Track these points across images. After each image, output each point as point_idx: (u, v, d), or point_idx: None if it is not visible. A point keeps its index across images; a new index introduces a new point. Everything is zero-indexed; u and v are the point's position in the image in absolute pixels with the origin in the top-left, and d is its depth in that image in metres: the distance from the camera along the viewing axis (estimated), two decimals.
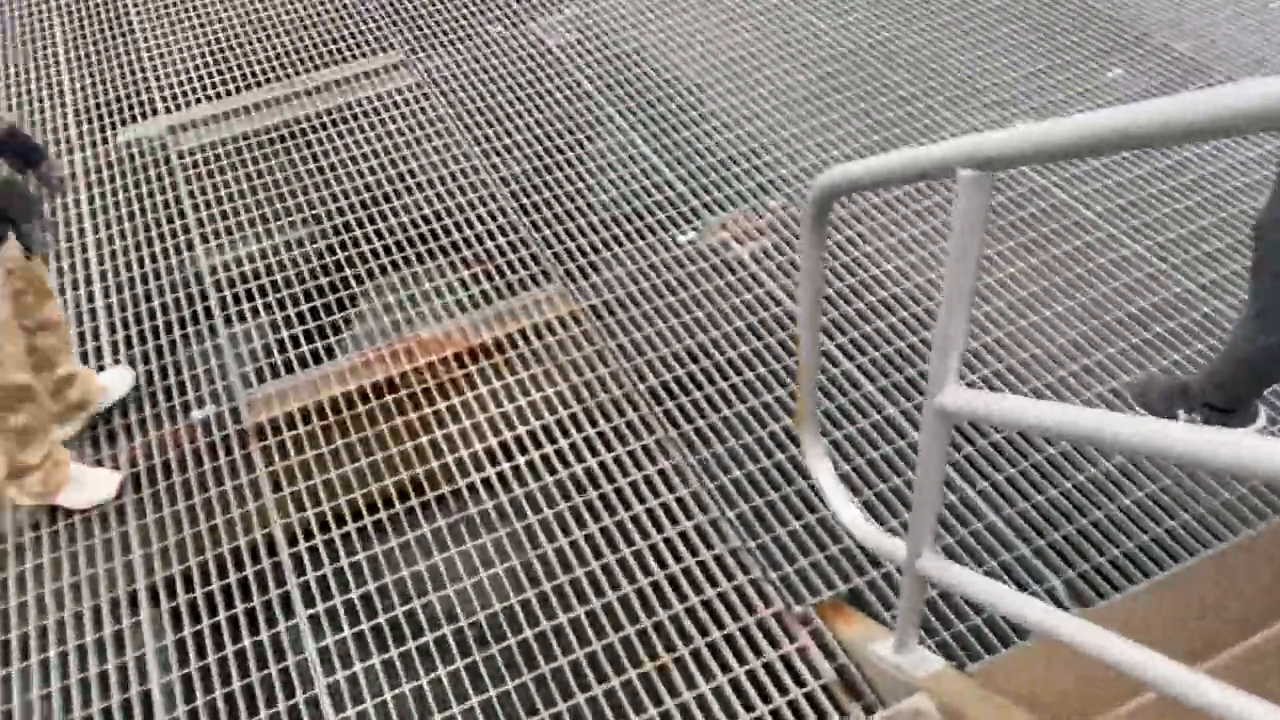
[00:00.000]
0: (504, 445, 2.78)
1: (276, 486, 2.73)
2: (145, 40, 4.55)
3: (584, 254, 3.34)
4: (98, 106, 4.16)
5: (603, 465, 2.71)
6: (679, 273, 3.24)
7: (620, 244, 3.36)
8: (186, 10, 4.74)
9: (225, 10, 4.71)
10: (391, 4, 4.66)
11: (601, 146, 3.76)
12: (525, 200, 3.56)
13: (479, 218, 3.51)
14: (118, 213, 3.64)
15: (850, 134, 3.71)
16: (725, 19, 4.38)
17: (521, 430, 2.81)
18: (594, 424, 2.82)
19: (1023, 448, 2.67)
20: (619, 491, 2.65)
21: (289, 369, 3.06)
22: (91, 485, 2.72)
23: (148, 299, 3.30)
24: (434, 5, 4.63)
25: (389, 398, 2.93)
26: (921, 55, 4.09)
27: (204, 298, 3.29)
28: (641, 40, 4.29)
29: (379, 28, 4.50)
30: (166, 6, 4.79)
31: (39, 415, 2.55)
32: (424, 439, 2.81)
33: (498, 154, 3.77)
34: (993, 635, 2.29)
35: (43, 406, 2.57)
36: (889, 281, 3.16)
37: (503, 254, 3.37)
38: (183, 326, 3.20)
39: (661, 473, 2.68)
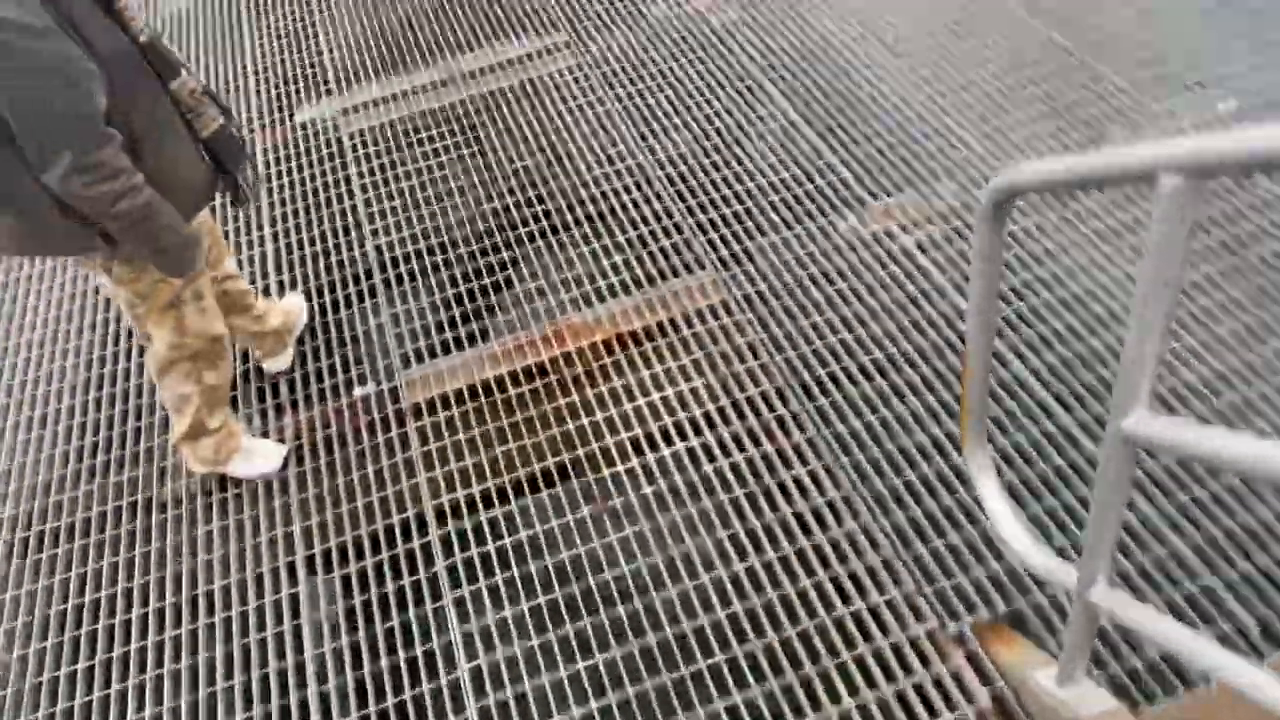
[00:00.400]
0: (649, 436, 2.74)
1: (430, 466, 2.78)
2: (322, 23, 4.72)
3: (739, 240, 3.25)
4: (278, 86, 4.35)
5: (750, 462, 2.63)
6: (838, 261, 3.11)
7: (777, 230, 3.25)
8: None
9: None
10: None
11: (762, 129, 3.65)
12: (681, 185, 3.49)
13: (634, 201, 3.47)
14: (291, 191, 3.80)
15: (1030, 118, 3.46)
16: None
17: (668, 421, 2.76)
18: (743, 418, 2.74)
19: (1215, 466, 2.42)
20: (766, 492, 2.56)
21: (445, 350, 3.11)
22: (260, 456, 2.85)
23: (315, 276, 3.42)
24: None
25: (539, 382, 2.94)
26: (1114, 33, 3.77)
27: (368, 276, 3.39)
28: (808, 18, 4.13)
29: (543, 8, 4.51)
30: None
31: (226, 375, 2.67)
32: (571, 425, 2.80)
33: (655, 136, 3.72)
34: (1172, 674, 2.09)
35: (228, 366, 2.67)
36: (1068, 278, 2.92)
37: (656, 239, 3.32)
38: (348, 305, 3.31)
39: (812, 474, 2.58)
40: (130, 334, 3.34)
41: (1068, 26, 3.82)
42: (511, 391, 2.93)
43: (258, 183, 2.51)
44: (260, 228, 3.66)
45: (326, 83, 4.32)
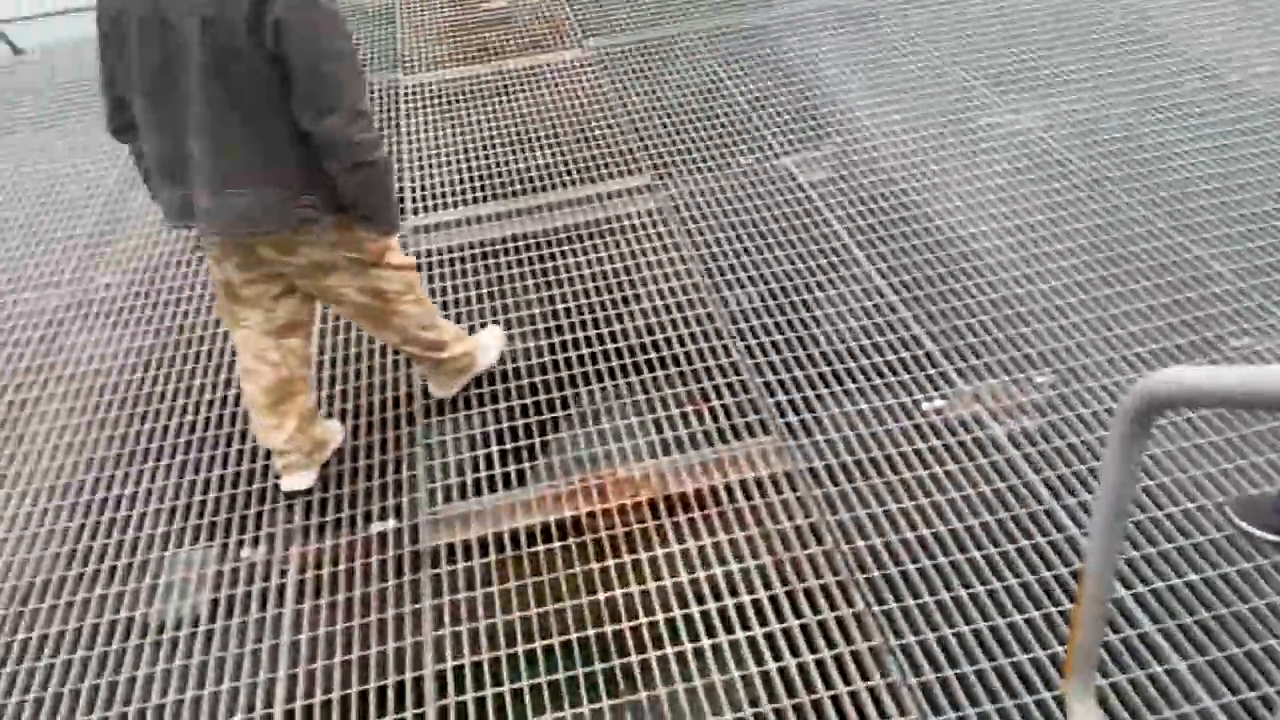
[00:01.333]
0: (689, 620, 2.41)
1: (439, 622, 2.48)
2: (415, 143, 4.70)
3: (809, 408, 2.98)
4: None
5: (803, 669, 2.28)
6: (919, 445, 2.80)
7: (853, 401, 2.97)
8: (450, 119, 4.89)
9: (490, 122, 4.82)
10: (645, 127, 4.59)
11: (844, 291, 3.42)
12: (751, 340, 3.25)
13: (699, 352, 3.23)
14: None
15: (1141, 311, 3.18)
16: (995, 168, 3.97)
17: (712, 605, 2.43)
18: (798, 613, 2.40)
19: None
20: (818, 706, 2.19)
21: (478, 490, 2.85)
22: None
23: (354, 395, 3.22)
24: (687, 130, 4.52)
25: (571, 540, 2.64)
26: (1226, 216, 3.51)
27: (408, 401, 3.18)
28: (902, 184, 3.96)
29: (630, 149, 4.43)
30: (432, 113, 4.96)
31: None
32: (602, 595, 2.48)
33: (729, 287, 3.51)
34: None
35: None
36: (1199, 491, 2.58)
37: (719, 395, 3.06)
38: (382, 429, 3.08)
39: (873, 691, 2.21)
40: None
41: (1191, 218, 3.57)
42: (541, 546, 2.64)
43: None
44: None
45: (413, 201, 4.25)
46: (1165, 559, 2.40)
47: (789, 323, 3.32)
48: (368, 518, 2.79)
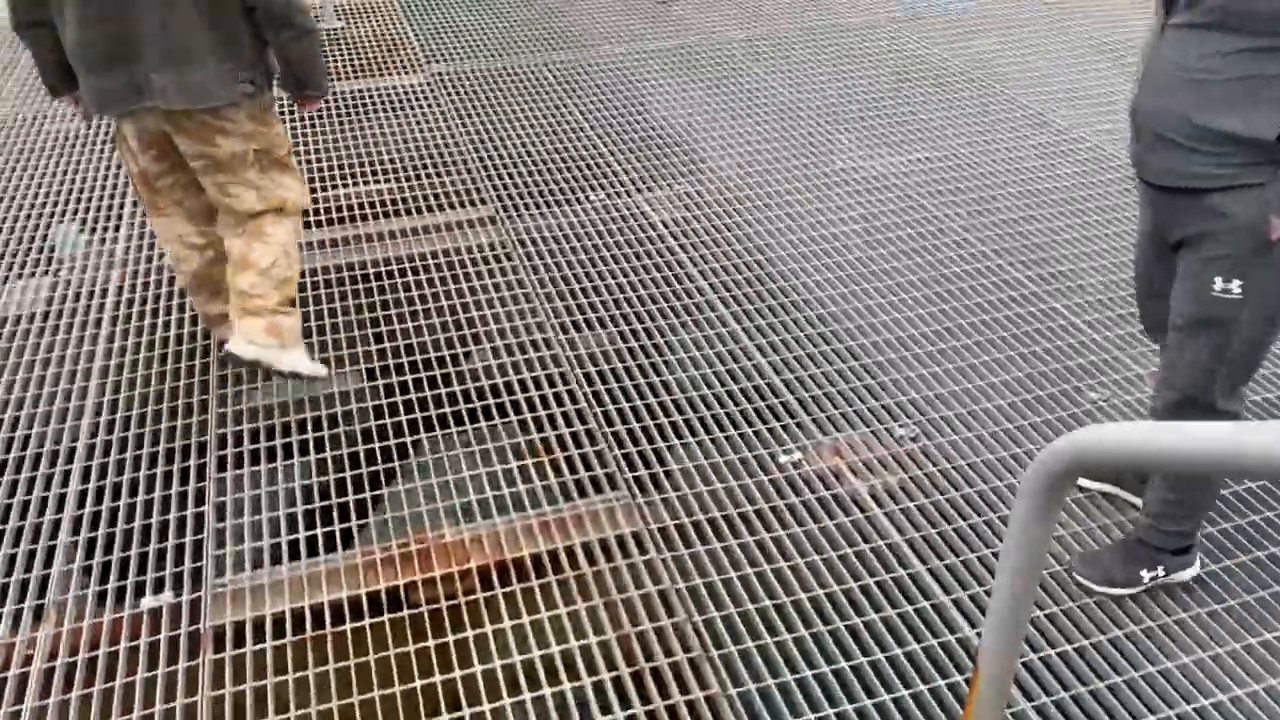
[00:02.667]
0: (522, 709, 2.08)
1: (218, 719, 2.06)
2: None
3: (660, 460, 2.72)
4: None
5: None
6: (777, 503, 2.58)
7: (707, 454, 2.74)
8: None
9: (323, 146, 4.42)
10: (490, 158, 4.30)
11: (698, 336, 3.21)
12: (601, 385, 2.98)
13: (544, 399, 2.94)
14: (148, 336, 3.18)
15: (1000, 362, 3.09)
16: (851, 212, 3.88)
17: (548, 691, 2.11)
18: (645, 698, 2.10)
19: None
20: None
21: (277, 557, 2.44)
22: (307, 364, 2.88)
23: (136, 443, 2.76)
24: (535, 163, 4.25)
25: (387, 615, 2.27)
26: (1079, 268, 3.50)
27: (200, 452, 2.74)
28: (758, 227, 3.81)
29: (473, 180, 4.12)
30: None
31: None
32: (420, 682, 2.12)
33: (577, 328, 3.24)
34: None
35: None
36: (1053, 558, 2.44)
37: (564, 446, 2.77)
38: (166, 484, 2.63)
39: None
40: None
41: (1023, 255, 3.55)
42: (351, 624, 2.26)
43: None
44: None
45: None
46: (1037, 629, 2.25)
47: (640, 368, 3.07)
48: (140, 590, 2.34)
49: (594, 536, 2.48)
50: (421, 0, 6.19)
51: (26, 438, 2.77)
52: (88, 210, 3.89)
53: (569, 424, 2.85)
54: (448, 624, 2.25)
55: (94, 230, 3.76)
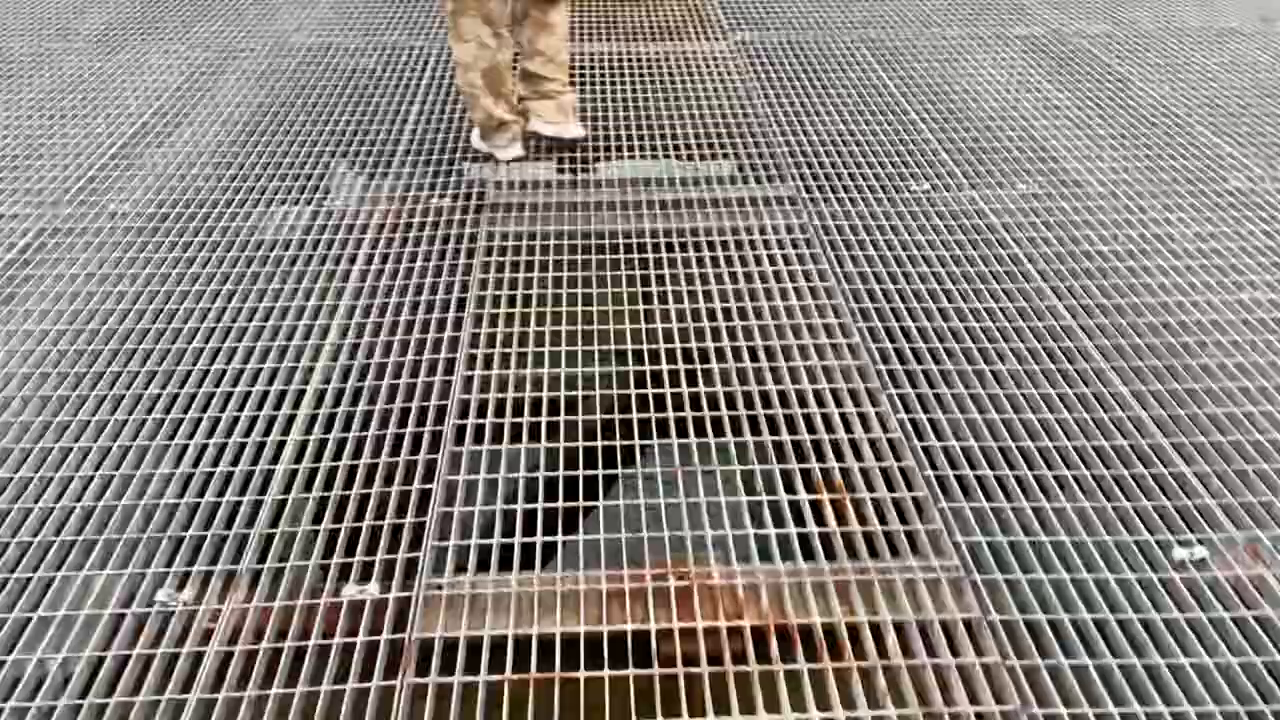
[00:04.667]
0: None
1: None
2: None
3: (1002, 525, 2.03)
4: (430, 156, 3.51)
5: None
6: (1172, 615, 1.82)
7: (1068, 527, 2.01)
8: None
9: (631, 107, 4.01)
10: (794, 137, 3.71)
11: (1051, 369, 2.47)
12: (920, 413, 2.32)
13: (844, 418, 2.31)
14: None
15: None
16: (1253, 241, 2.98)
17: None
18: None
19: None
20: None
21: (507, 561, 1.96)
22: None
23: (373, 397, 2.39)
24: (848, 147, 3.63)
25: (632, 669, 1.73)
26: None
27: (439, 418, 2.32)
28: (1129, 244, 3.01)
29: (773, 156, 3.55)
30: None
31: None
32: None
33: (889, 337, 2.60)
34: None
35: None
36: None
37: (868, 484, 2.13)
38: (397, 448, 2.23)
39: None
40: None
41: None
42: (584, 670, 1.73)
43: None
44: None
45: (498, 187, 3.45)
46: None
47: (973, 398, 2.38)
48: (344, 572, 1.93)
49: (911, 615, 1.83)
50: None
51: (257, 372, 2.46)
52: (363, 147, 3.65)
53: (878, 457, 2.21)
54: (708, 696, 1.68)
55: (366, 168, 3.50)
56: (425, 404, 2.36)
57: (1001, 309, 2.70)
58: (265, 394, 2.38)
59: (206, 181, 3.38)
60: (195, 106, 3.96)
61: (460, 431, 2.28)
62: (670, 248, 3.01)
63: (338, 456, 2.19)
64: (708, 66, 4.35)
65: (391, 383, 2.43)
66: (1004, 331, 2.61)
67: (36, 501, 2.06)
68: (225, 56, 4.47)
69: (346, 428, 2.28)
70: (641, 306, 2.76)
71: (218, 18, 4.97)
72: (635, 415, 2.33)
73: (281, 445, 2.21)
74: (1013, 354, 2.52)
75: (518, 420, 2.32)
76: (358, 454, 2.20)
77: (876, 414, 2.32)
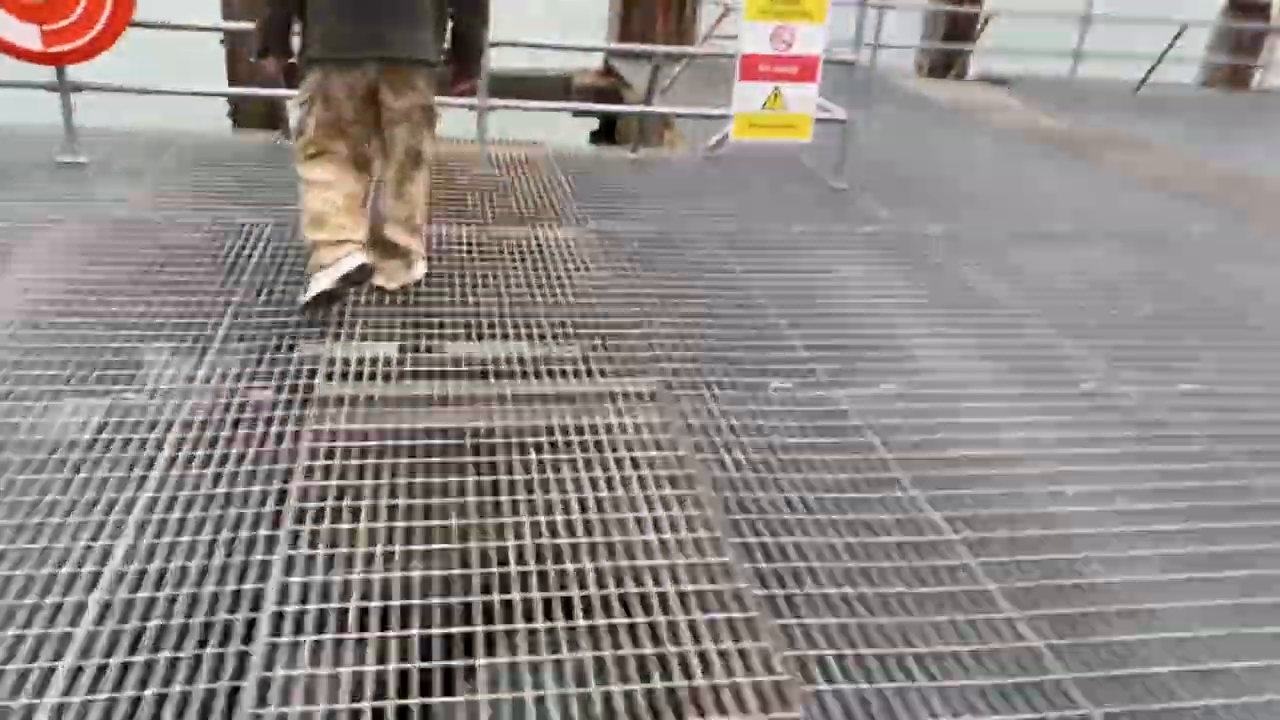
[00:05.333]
0: None
1: None
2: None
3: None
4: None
5: None
6: None
7: None
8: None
9: (482, 291, 3.79)
10: (651, 325, 3.58)
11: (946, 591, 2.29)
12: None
13: (720, 654, 2.03)
14: None
15: None
16: (1096, 433, 2.97)
17: None
18: None
19: None
20: None
21: None
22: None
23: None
24: (704, 339, 3.52)
25: None
26: None
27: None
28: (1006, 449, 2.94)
29: (633, 349, 3.39)
30: None
31: None
32: None
33: (765, 552, 2.37)
34: None
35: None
36: None
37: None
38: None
39: None
40: None
41: None
42: None
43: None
44: None
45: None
46: None
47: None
48: None
49: None
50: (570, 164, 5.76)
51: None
52: (177, 330, 3.25)
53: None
54: None
55: (178, 354, 3.10)
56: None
57: (880, 524, 2.53)
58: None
59: None
60: None
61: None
62: (527, 449, 2.73)
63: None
64: (563, 250, 4.23)
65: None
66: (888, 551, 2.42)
67: None
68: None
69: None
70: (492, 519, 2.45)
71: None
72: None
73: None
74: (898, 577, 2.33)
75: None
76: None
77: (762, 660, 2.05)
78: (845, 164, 5.57)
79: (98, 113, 5.11)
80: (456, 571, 2.22)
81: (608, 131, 9.88)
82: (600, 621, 2.10)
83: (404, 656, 1.96)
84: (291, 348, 3.16)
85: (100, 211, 4.23)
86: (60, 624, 1.96)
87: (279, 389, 2.92)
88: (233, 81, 7.03)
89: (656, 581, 2.23)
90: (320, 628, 2.00)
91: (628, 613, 2.13)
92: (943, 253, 4.64)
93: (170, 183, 4.71)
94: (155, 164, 4.93)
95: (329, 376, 3.00)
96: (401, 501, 2.43)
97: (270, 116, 6.06)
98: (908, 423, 3.03)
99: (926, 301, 4.04)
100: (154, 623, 1.98)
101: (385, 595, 2.11)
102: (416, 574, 2.19)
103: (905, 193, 5.62)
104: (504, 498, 2.49)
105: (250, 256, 3.89)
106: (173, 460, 2.53)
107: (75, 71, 4.69)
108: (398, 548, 2.26)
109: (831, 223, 4.95)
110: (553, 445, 2.75)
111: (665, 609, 2.14)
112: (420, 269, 3.71)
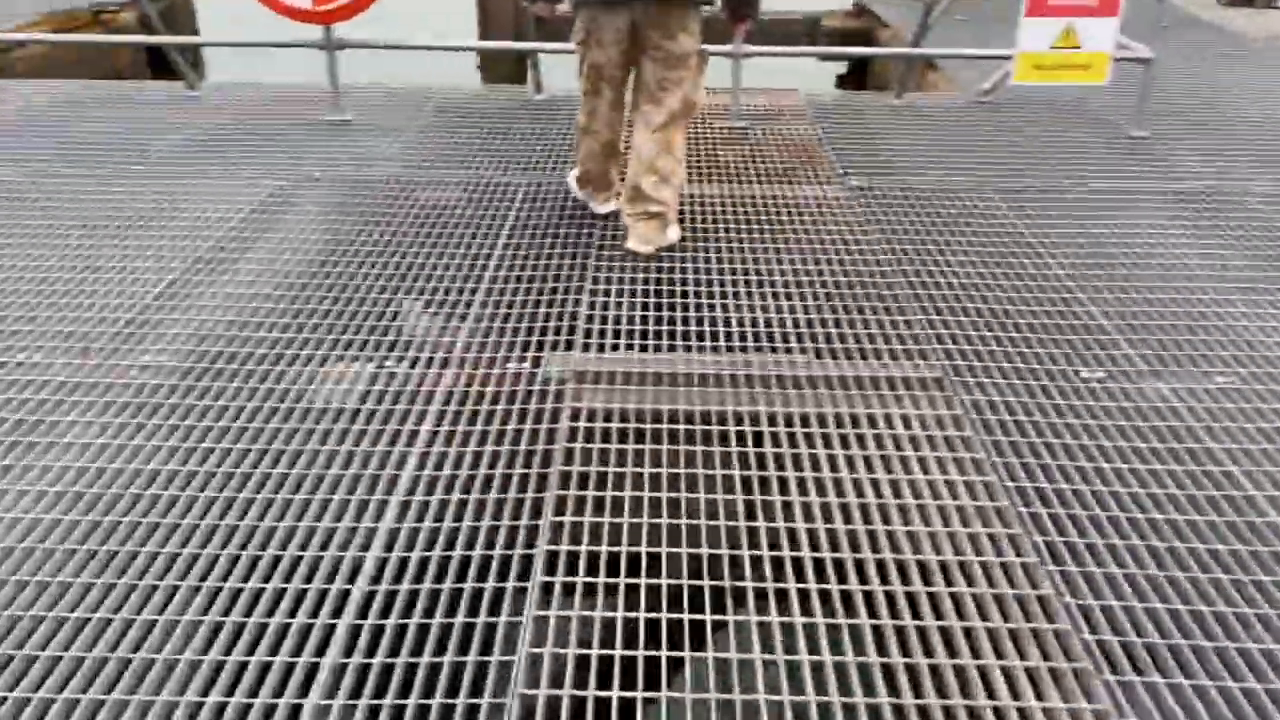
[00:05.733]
0: None
1: None
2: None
3: None
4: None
5: None
6: None
7: None
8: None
9: (743, 250, 3.56)
10: (938, 311, 3.18)
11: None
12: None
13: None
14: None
15: None
16: None
17: None
18: None
19: None
20: None
21: None
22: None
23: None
24: (994, 318, 3.10)
25: None
26: None
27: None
28: None
29: (909, 326, 3.03)
30: None
31: None
32: None
33: (1073, 557, 2.01)
34: None
35: None
36: None
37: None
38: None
39: None
40: None
41: None
42: None
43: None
44: None
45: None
46: None
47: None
48: None
49: None
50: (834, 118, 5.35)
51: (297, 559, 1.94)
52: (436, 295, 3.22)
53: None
54: None
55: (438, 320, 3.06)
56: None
57: (1219, 530, 2.09)
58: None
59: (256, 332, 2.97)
60: (256, 242, 3.61)
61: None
62: (778, 439, 2.47)
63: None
64: (824, 210, 3.90)
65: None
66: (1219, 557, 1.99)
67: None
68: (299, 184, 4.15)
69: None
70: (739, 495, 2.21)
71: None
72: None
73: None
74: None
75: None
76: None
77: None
78: (1146, 108, 4.85)
79: (354, 71, 5.23)
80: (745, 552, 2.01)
81: (857, 76, 9.30)
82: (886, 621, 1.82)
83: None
84: (548, 316, 3.04)
85: (363, 172, 4.30)
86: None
87: (536, 360, 2.81)
88: (483, 36, 7.10)
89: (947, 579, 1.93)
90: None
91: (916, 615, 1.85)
92: (1273, 214, 3.93)
93: (429, 139, 4.74)
94: (414, 121, 4.98)
95: (585, 348, 2.86)
96: (665, 471, 2.27)
97: (519, 69, 6.04)
98: (1251, 427, 2.52)
99: (1261, 274, 3.41)
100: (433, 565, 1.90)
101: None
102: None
103: (1219, 142, 4.83)
104: (777, 474, 2.26)
105: (506, 217, 3.82)
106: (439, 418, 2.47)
107: (338, 31, 4.80)
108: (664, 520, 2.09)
109: (1135, 178, 4.31)
110: (824, 439, 2.48)
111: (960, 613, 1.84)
112: (674, 232, 3.54)
